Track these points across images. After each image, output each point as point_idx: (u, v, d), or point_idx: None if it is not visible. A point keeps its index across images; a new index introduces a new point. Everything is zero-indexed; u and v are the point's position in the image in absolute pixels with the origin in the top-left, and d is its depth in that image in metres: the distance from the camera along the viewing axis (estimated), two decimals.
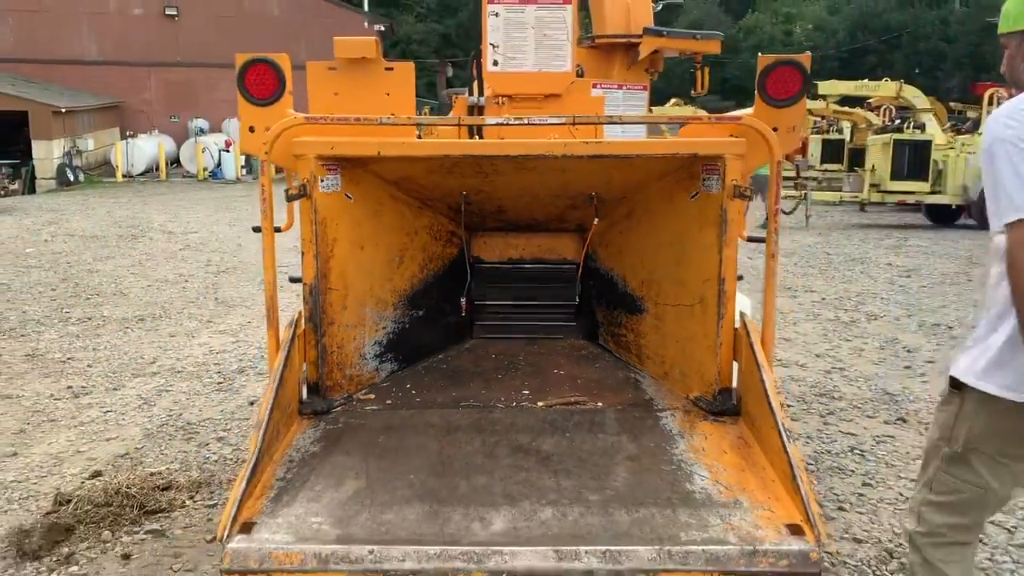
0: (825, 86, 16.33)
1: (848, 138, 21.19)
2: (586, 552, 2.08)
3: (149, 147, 25.37)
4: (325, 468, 2.49)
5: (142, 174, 24.57)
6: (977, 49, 40.85)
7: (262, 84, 2.78)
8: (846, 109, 20.14)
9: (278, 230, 2.92)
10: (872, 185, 15.35)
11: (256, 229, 2.92)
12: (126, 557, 3.32)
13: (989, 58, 39.89)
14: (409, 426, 2.78)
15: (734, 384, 2.82)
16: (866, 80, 18.28)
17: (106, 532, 3.49)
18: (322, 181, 2.76)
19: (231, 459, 4.32)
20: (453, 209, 3.31)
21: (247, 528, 2.17)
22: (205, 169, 24.63)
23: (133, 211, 16.68)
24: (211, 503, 3.80)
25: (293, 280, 3.04)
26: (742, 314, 2.78)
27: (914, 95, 16.06)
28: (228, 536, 2.11)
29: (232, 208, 17.77)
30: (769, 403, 2.44)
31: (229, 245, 12.68)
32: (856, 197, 15.76)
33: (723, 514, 2.23)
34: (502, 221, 3.45)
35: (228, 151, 25.29)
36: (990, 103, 15.70)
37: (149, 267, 10.54)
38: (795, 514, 2.19)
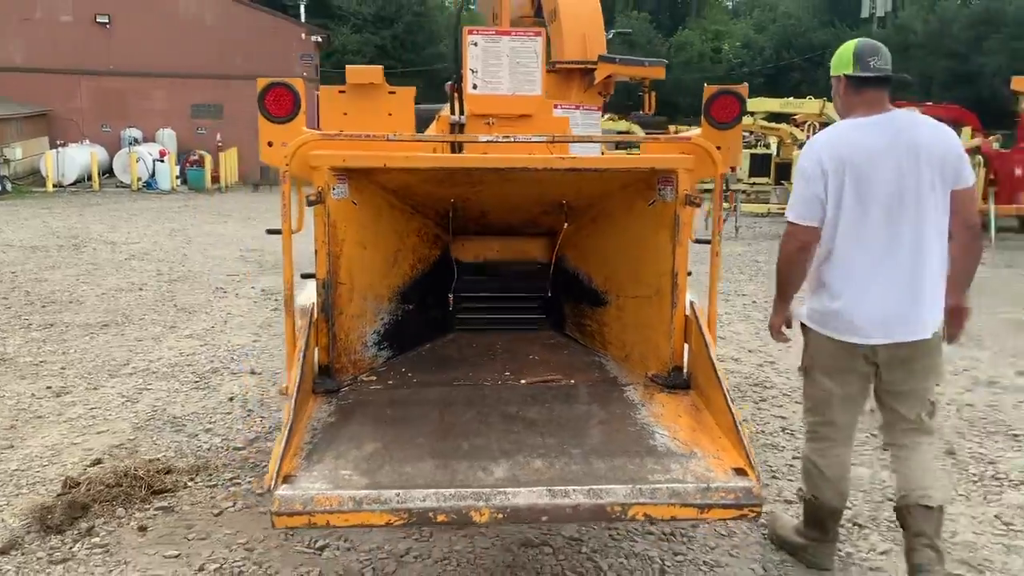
0: (754, 103, 17.22)
1: (775, 152, 22.21)
2: (574, 490, 2.55)
3: (80, 157, 25.06)
4: (345, 434, 2.91)
5: (73, 184, 24.27)
6: (894, 68, 42.79)
7: (280, 104, 3.20)
8: (773, 125, 21.19)
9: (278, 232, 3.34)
10: None
11: (272, 231, 3.34)
12: (142, 529, 3.67)
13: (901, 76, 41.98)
14: (411, 401, 3.22)
15: (685, 363, 3.33)
16: (791, 97, 19.27)
17: (120, 509, 3.82)
18: (334, 189, 3.19)
19: (221, 447, 4.66)
20: (440, 215, 3.76)
21: (288, 480, 2.58)
22: (139, 179, 24.46)
23: (69, 222, 16.59)
24: (211, 483, 4.15)
25: (305, 276, 3.43)
26: (691, 302, 3.29)
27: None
28: (275, 485, 2.52)
29: (171, 219, 17.85)
30: (715, 372, 2.96)
31: (174, 255, 12.83)
32: (783, 209, 16.63)
33: (681, 462, 2.73)
34: (482, 226, 3.91)
35: (163, 161, 25.19)
36: None
37: (99, 276, 10.65)
38: (739, 460, 2.70)
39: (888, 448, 3.34)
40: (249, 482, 4.18)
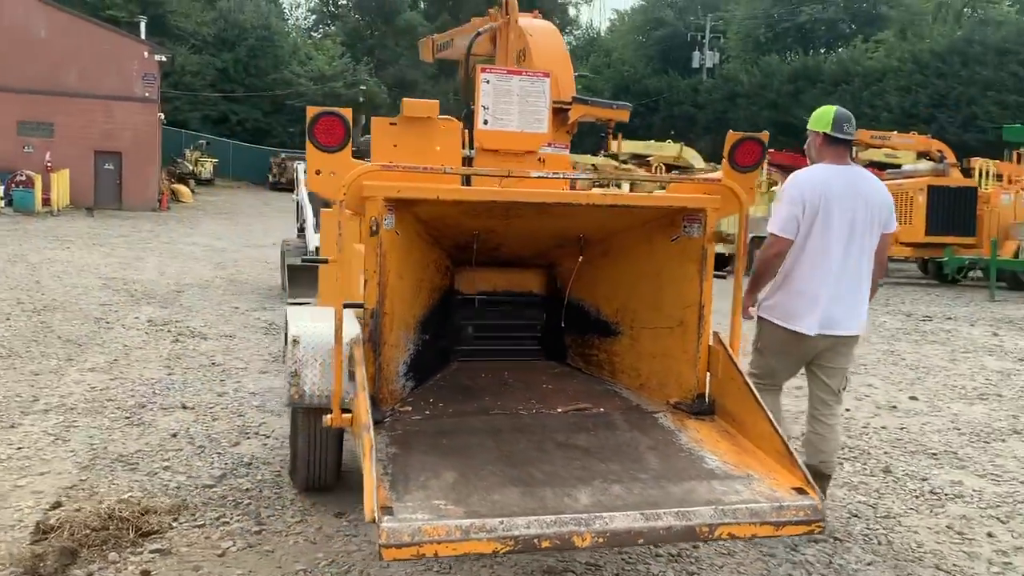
0: (626, 145, 18.03)
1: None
2: (664, 513, 2.67)
3: None
4: (415, 465, 2.90)
5: None
6: (722, 116, 45.84)
7: (330, 134, 3.17)
8: (628, 166, 22.31)
9: (324, 261, 3.28)
10: None
11: (311, 261, 3.27)
12: (145, 574, 3.45)
13: (733, 124, 45.05)
14: (460, 431, 3.24)
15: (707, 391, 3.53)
16: (652, 140, 20.33)
17: (112, 553, 3.57)
18: (385, 220, 3.18)
19: (190, 485, 4.43)
20: (455, 246, 3.81)
21: (387, 511, 2.55)
22: None
23: None
24: (199, 523, 3.95)
25: (349, 306, 3.38)
26: (715, 333, 3.50)
27: (692, 156, 18.14)
28: (379, 518, 2.49)
29: (2, 243, 16.65)
30: (756, 400, 3.17)
31: (25, 283, 12.01)
32: None
33: (745, 483, 2.91)
34: (491, 257, 3.98)
35: None
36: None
37: None
38: (794, 480, 2.91)
39: (812, 416, 4.11)
40: (238, 520, 4.00)
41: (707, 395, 3.51)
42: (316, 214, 12.01)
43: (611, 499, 2.76)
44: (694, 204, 3.42)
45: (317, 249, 11.48)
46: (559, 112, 5.00)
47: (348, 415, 3.25)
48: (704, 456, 3.13)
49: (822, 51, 50.29)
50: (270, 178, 46.32)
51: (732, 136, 3.49)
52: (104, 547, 3.61)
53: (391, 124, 3.60)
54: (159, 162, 33.13)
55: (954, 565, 3.86)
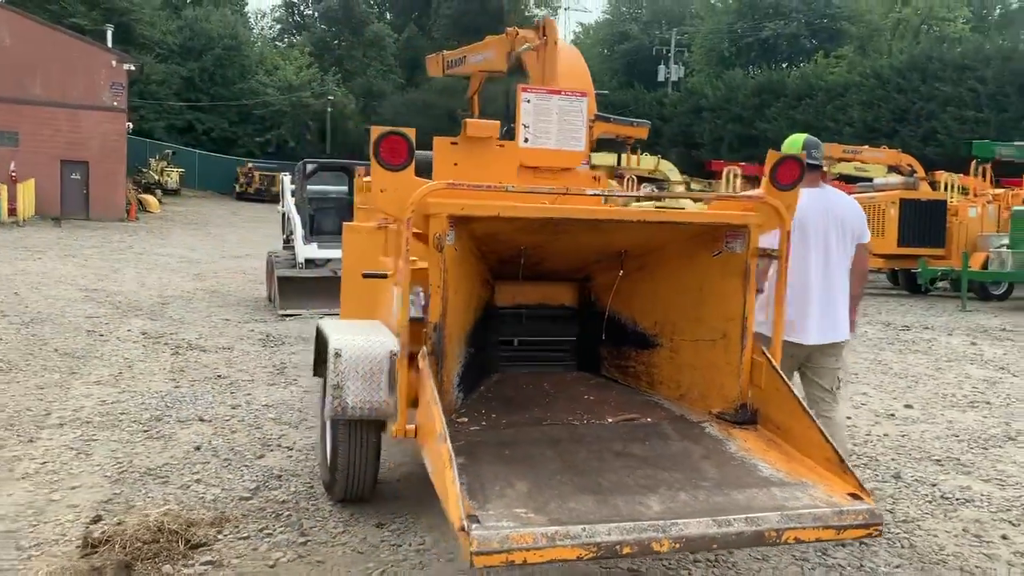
0: (597, 157, 18.22)
1: None
2: (735, 519, 2.79)
3: None
4: (487, 474, 2.99)
5: None
6: (688, 128, 46.47)
7: (394, 152, 3.25)
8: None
9: (384, 276, 3.37)
10: None
11: (372, 275, 3.35)
12: None
13: (698, 137, 45.60)
14: (520, 441, 3.33)
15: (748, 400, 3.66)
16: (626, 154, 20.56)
17: (166, 566, 3.61)
18: (447, 236, 3.27)
19: (226, 498, 4.46)
20: (500, 261, 3.90)
21: (474, 519, 2.64)
22: None
23: None
24: (243, 536, 3.99)
25: (415, 320, 3.46)
26: (759, 345, 3.63)
27: (669, 168, 18.41)
28: (468, 526, 2.58)
29: None
30: (804, 410, 3.30)
31: (2, 294, 11.85)
32: None
33: (801, 490, 3.04)
34: (532, 272, 4.09)
35: None
36: (728, 178, 18.47)
37: None
38: (847, 487, 3.04)
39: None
40: (282, 532, 4.05)
41: (749, 405, 3.64)
42: (305, 225, 12.04)
43: (680, 506, 2.87)
44: (740, 221, 3.55)
45: (308, 261, 11.51)
46: None
47: (412, 426, 3.33)
48: (756, 464, 3.26)
49: (784, 65, 51.18)
50: (237, 188, 45.98)
51: (773, 156, 3.63)
52: (156, 559, 3.64)
53: (452, 143, 3.70)
54: (126, 172, 32.76)
55: (976, 566, 4.02)
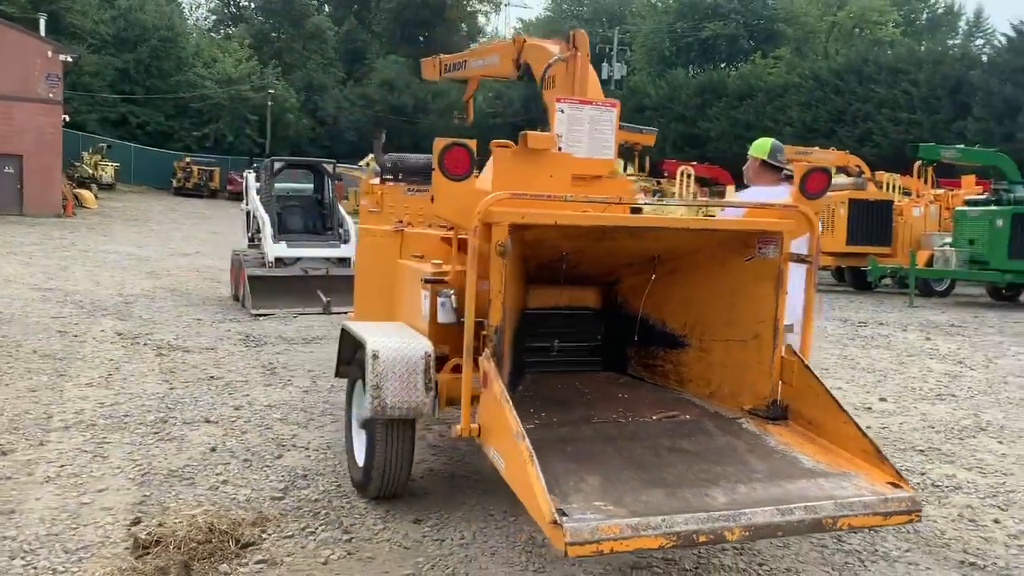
0: None
1: None
2: (794, 508, 3.00)
3: None
4: (559, 471, 3.15)
5: None
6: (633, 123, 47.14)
7: (458, 163, 3.38)
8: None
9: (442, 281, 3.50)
10: None
11: (434, 279, 3.48)
12: None
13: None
14: (576, 439, 3.49)
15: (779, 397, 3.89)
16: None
17: (223, 565, 3.68)
18: (508, 243, 3.41)
19: (259, 499, 4.52)
20: (539, 266, 4.06)
21: (562, 513, 2.80)
22: None
23: None
24: (286, 534, 4.07)
25: (480, 323, 3.59)
26: (788, 345, 3.86)
27: (619, 164, 18.73)
28: (559, 519, 2.74)
29: None
30: (839, 406, 3.54)
31: None
32: None
33: (845, 480, 3.26)
34: (567, 275, 4.25)
35: None
36: (681, 178, 18.87)
37: None
38: (886, 476, 3.28)
39: None
40: (324, 530, 4.14)
41: (780, 402, 3.86)
42: (274, 224, 11.98)
43: (743, 497, 3.07)
44: (775, 228, 3.77)
45: (278, 260, 11.46)
46: None
47: (475, 425, 3.47)
48: (798, 457, 3.48)
49: (723, 66, 52.23)
50: (174, 183, 45.06)
51: (801, 167, 3.86)
52: (212, 559, 3.71)
53: (513, 154, 3.84)
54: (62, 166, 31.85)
55: (977, 549, 4.33)
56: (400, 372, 4.20)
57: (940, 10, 58.90)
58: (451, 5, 64.24)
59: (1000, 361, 9.57)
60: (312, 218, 13.03)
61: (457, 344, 4.50)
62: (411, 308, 4.79)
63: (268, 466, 5.05)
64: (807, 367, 3.73)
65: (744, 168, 5.12)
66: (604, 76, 54.74)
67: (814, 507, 3.02)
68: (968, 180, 18.40)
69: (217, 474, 4.88)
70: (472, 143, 3.44)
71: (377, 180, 6.28)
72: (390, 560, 3.86)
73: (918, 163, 18.35)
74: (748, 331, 3.92)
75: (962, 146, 18.81)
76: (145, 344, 8.66)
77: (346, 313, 10.96)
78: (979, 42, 50.75)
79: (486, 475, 5.01)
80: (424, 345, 4.32)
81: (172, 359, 7.97)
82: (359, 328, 4.62)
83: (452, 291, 4.50)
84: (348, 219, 12.65)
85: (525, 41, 5.75)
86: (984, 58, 35.50)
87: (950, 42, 51.66)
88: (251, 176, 13.14)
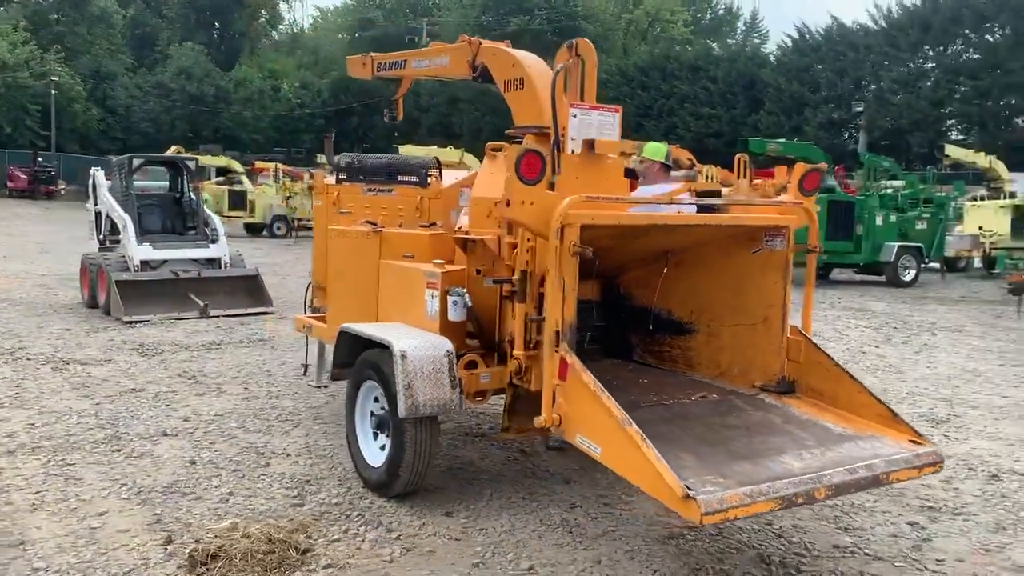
0: (404, 149, 18.50)
1: None
2: (858, 467, 3.44)
3: None
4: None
5: None
6: (446, 119, 47.41)
7: (532, 168, 3.56)
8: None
9: (509, 282, 3.67)
10: None
11: (500, 281, 3.64)
12: None
13: (456, 128, 46.64)
14: (641, 422, 3.76)
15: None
16: (435, 147, 20.96)
17: (297, 573, 3.66)
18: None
19: (279, 508, 4.46)
20: None
21: (690, 488, 3.08)
22: None
23: None
24: (333, 538, 4.07)
25: (533, 320, 3.76)
26: (793, 326, 4.33)
27: (471, 160, 19.07)
28: (693, 492, 3.02)
29: None
30: (851, 376, 4.04)
31: None
32: None
33: (878, 441, 3.76)
34: (587, 270, 4.49)
35: None
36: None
37: None
38: (905, 435, 3.80)
39: None
40: (366, 530, 4.18)
41: (787, 377, 4.32)
42: (136, 223, 11.33)
43: (811, 462, 3.48)
44: (784, 222, 4.22)
45: (143, 263, 10.87)
46: None
47: (557, 416, 3.66)
48: (825, 425, 3.94)
49: None
50: None
51: (800, 168, 4.33)
52: (283, 568, 3.68)
53: (577, 160, 4.02)
54: None
55: (926, 495, 5.02)
56: (428, 371, 4.32)
57: (721, 11, 63.55)
58: None
59: (850, 333, 10.76)
60: (171, 218, 12.38)
61: (463, 341, 4.67)
62: (410, 307, 4.88)
63: (263, 475, 4.96)
64: (815, 344, 4.21)
65: (643, 168, 5.40)
66: None
67: (870, 465, 3.48)
68: (780, 171, 20.14)
69: (215, 487, 4.74)
70: (545, 149, 3.61)
71: (331, 179, 6.22)
72: (450, 552, 3.98)
73: (738, 155, 19.92)
74: (757, 315, 4.36)
75: (783, 140, 20.60)
76: (29, 359, 8.00)
77: (231, 316, 10.61)
78: (758, 42, 55.35)
79: (482, 466, 5.20)
80: (445, 343, 4.45)
81: (74, 373, 7.44)
82: (371, 330, 4.67)
83: (464, 290, 4.65)
84: (215, 218, 12.15)
85: (480, 44, 5.90)
86: (772, 58, 38.85)
87: (730, 41, 56.01)
88: (99, 174, 12.28)
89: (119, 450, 5.33)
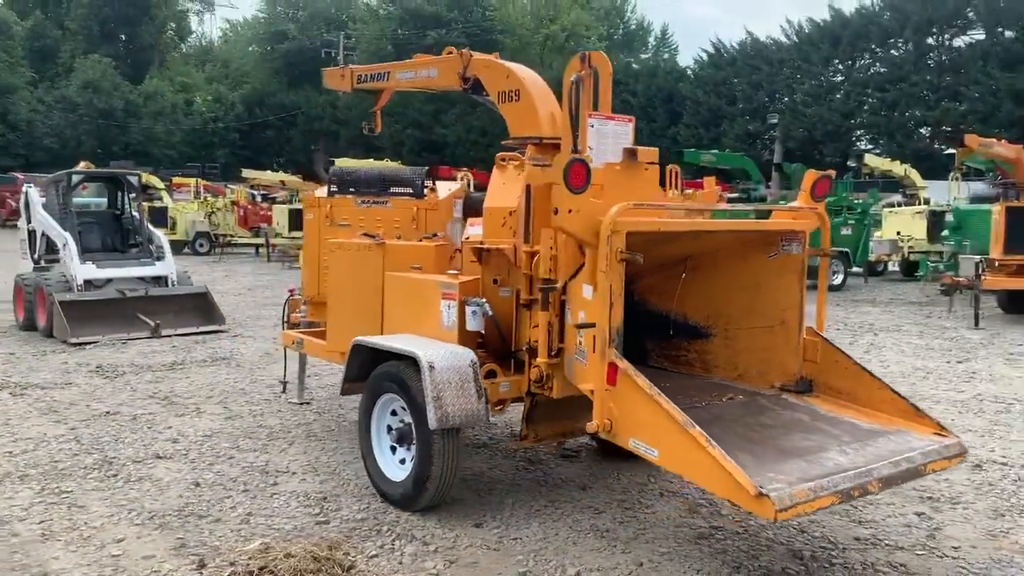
0: (340, 163, 18.26)
1: None
2: (901, 460, 3.59)
3: None
4: None
5: None
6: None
7: (578, 177, 3.60)
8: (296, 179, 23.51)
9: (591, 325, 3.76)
10: None
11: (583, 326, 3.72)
12: None
13: (377, 140, 46.17)
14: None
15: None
16: (372, 160, 20.74)
17: None
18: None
19: (305, 527, 4.37)
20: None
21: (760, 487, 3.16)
22: None
23: None
24: (372, 555, 4.01)
25: (581, 327, 3.79)
26: (809, 327, 4.47)
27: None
28: (763, 490, 3.10)
29: None
30: (871, 375, 4.21)
31: None
32: None
33: (907, 435, 3.92)
34: None
35: None
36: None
37: None
38: (929, 428, 3.98)
39: None
40: (402, 544, 4.13)
41: (804, 377, 4.46)
42: (77, 241, 10.92)
43: (853, 458, 3.61)
44: (800, 227, 4.37)
45: (89, 283, 10.47)
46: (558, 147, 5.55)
47: (607, 421, 3.70)
48: (852, 421, 4.09)
49: None
50: None
51: (811, 175, 4.49)
52: None
53: (617, 169, 4.06)
54: None
55: (923, 486, 5.24)
56: (455, 382, 4.32)
57: (633, 26, 64.90)
58: (157, 3, 60.06)
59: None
60: (111, 235, 11.95)
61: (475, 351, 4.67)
62: (423, 319, 4.85)
63: (275, 494, 4.84)
64: (832, 344, 4.37)
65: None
66: None
67: (910, 458, 3.64)
68: (709, 181, 20.74)
69: (230, 508, 4.61)
70: (589, 158, 3.66)
71: (323, 192, 6.13)
72: (493, 562, 3.97)
73: (669, 166, 20.40)
74: (774, 318, 4.49)
75: (716, 151, 21.16)
76: None
77: (184, 335, 10.28)
78: (668, 56, 56.70)
79: (494, 476, 5.20)
80: (469, 354, 4.45)
81: (37, 398, 7.11)
82: (392, 342, 4.63)
83: (484, 300, 4.66)
84: (159, 234, 11.78)
85: (472, 56, 5.92)
86: (690, 72, 39.88)
87: (643, 55, 57.22)
88: (33, 191, 11.77)
89: (115, 475, 5.13)
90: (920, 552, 4.22)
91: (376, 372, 4.74)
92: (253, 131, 53.37)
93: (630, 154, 4.24)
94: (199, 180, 29.20)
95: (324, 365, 7.85)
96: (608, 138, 4.57)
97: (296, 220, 25.37)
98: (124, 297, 10.65)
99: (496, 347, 4.76)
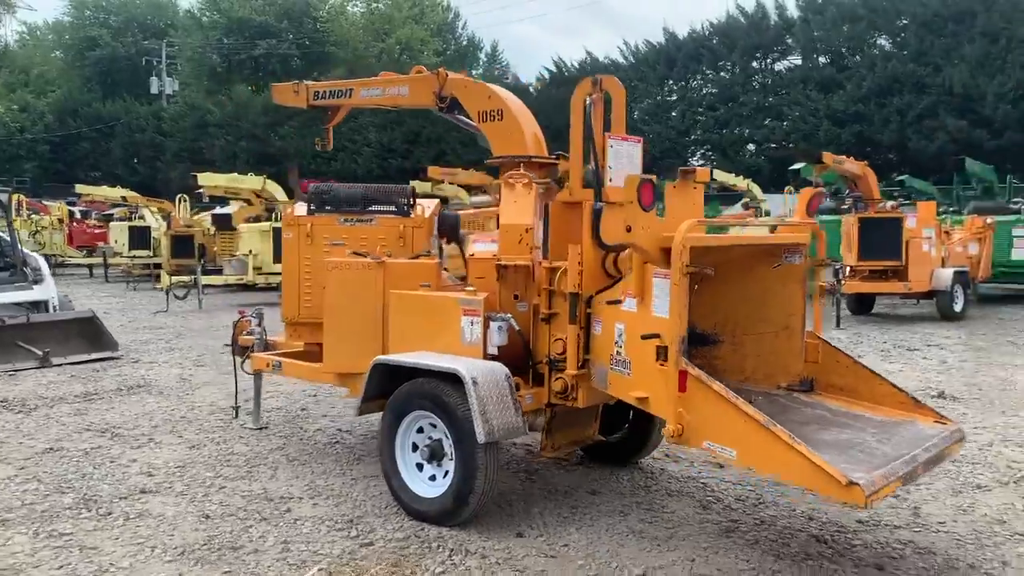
0: (203, 178, 17.50)
1: (161, 225, 22.47)
2: (929, 447, 4.03)
3: None
4: None
5: None
6: (194, 144, 44.90)
7: (648, 196, 3.81)
8: (158, 200, 22.34)
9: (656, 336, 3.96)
10: (255, 268, 17.21)
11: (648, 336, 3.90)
12: None
13: (207, 153, 44.22)
14: None
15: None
16: (236, 174, 19.89)
17: None
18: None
19: (350, 551, 4.30)
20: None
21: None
22: None
23: None
24: (440, 572, 4.02)
25: (646, 337, 3.98)
26: (808, 330, 4.88)
27: (275, 189, 18.44)
28: (855, 481, 3.42)
29: None
30: (873, 372, 4.67)
31: None
32: (241, 279, 17.39)
33: (916, 424, 4.38)
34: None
35: None
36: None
37: None
38: (930, 418, 4.47)
39: None
40: (458, 559, 4.16)
41: (806, 377, 4.87)
42: (47, 259, 10.01)
43: (891, 447, 4.01)
44: (803, 240, 4.77)
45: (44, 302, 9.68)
46: (543, 166, 5.71)
47: (679, 426, 3.91)
48: (864, 415, 4.51)
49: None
50: None
51: (807, 192, 4.93)
52: None
53: (673, 187, 4.26)
54: None
55: None
56: (496, 396, 4.43)
57: (464, 42, 65.83)
58: None
59: None
60: None
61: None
62: (440, 335, 4.90)
63: (298, 520, 4.71)
64: (831, 345, 4.80)
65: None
66: (155, 90, 51.58)
67: (935, 444, 4.09)
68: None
69: (260, 537, 4.46)
70: (653, 178, 3.88)
71: (302, 211, 5.98)
72: (558, 569, 4.08)
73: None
74: (779, 323, 4.87)
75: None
76: None
77: (76, 363, 9.57)
78: (498, 73, 57.87)
79: (502, 488, 5.28)
80: (503, 369, 4.57)
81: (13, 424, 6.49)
82: (422, 359, 4.66)
83: (509, 315, 4.78)
84: (36, 257, 10.92)
85: (448, 75, 6.01)
86: (532, 90, 40.82)
87: (474, 72, 58.08)
88: None
89: (108, 513, 4.81)
90: (916, 529, 4.72)
91: (403, 390, 4.73)
92: (66, 143, 49.81)
93: (685, 175, 4.50)
94: (22, 197, 26.96)
95: (271, 387, 7.61)
96: (623, 157, 4.81)
97: (138, 238, 24.03)
98: (3, 325, 9.80)
99: (513, 361, 4.87)
